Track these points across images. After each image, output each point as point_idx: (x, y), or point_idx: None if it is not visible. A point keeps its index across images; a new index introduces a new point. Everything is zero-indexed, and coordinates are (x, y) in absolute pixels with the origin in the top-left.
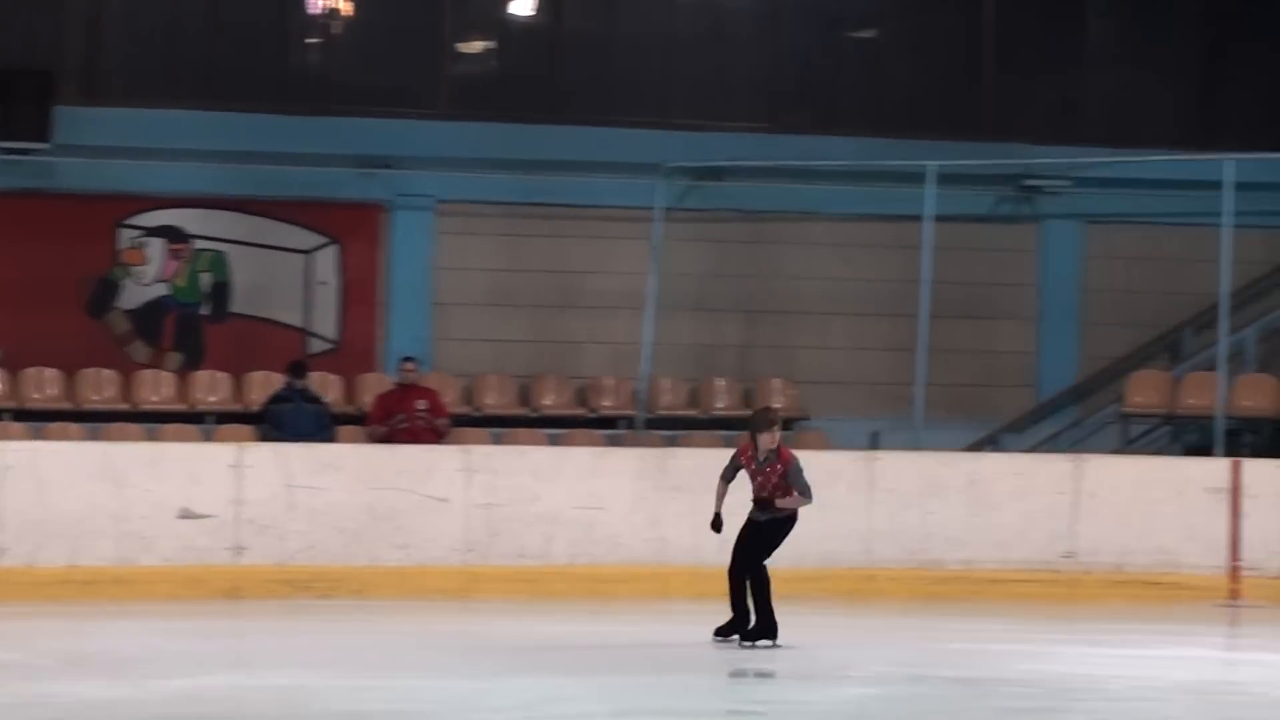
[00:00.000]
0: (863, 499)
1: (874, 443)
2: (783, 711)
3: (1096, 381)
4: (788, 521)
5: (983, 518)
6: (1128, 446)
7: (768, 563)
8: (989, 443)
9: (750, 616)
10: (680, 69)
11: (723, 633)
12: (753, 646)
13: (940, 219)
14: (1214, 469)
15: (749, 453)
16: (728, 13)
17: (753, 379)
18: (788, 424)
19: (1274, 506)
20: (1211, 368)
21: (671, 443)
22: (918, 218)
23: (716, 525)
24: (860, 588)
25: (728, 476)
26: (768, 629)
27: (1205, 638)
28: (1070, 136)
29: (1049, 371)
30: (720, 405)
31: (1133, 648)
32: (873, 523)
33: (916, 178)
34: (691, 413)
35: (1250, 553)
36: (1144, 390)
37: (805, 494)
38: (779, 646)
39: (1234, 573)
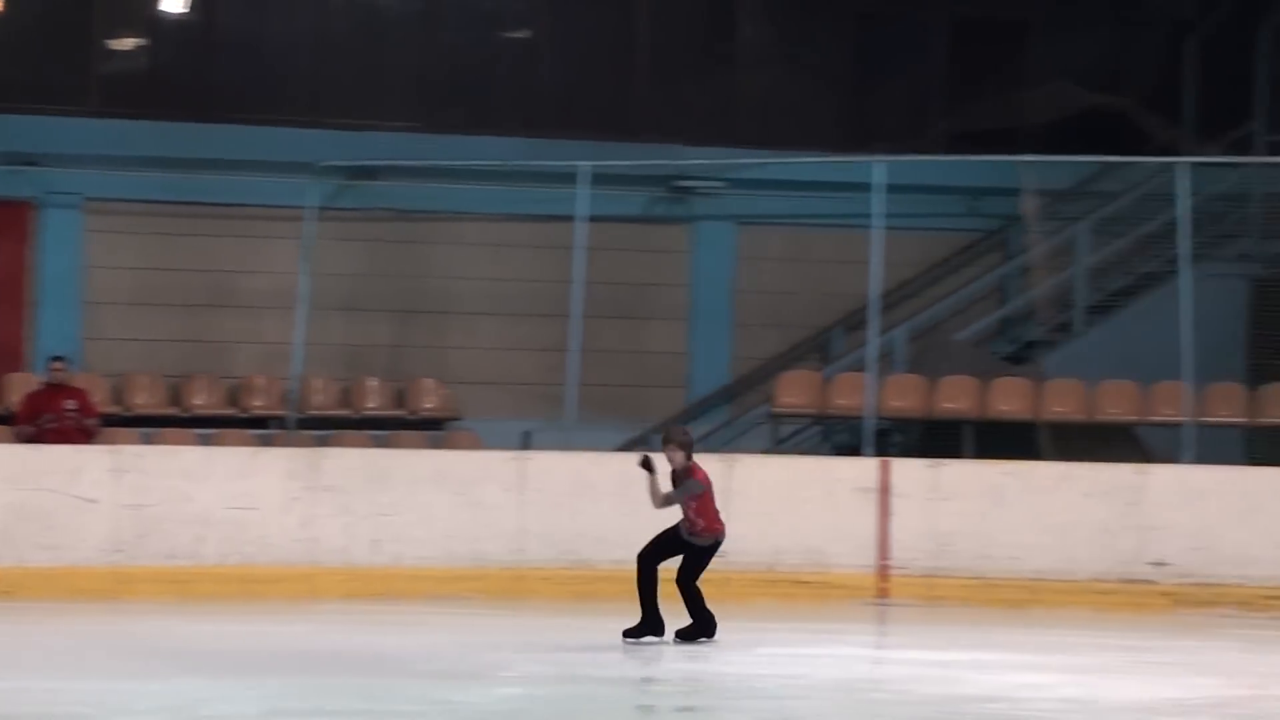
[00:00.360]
0: (514, 499)
1: (526, 443)
2: (435, 712)
3: (747, 382)
4: (702, 547)
5: (633, 518)
6: (778, 446)
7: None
8: (640, 443)
9: (660, 616)
10: (333, 67)
11: (634, 634)
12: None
13: (594, 219)
14: (863, 469)
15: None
16: (381, 11)
17: (405, 379)
18: (438, 424)
19: (921, 506)
20: (861, 368)
21: (323, 443)
22: (571, 218)
23: (647, 464)
24: (511, 587)
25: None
26: (704, 627)
27: (854, 636)
28: (723, 138)
29: (700, 372)
30: (371, 405)
31: (783, 646)
32: (524, 523)
33: (570, 178)
34: (343, 413)
35: (899, 552)
36: (794, 390)
37: (665, 500)
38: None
39: (882, 571)
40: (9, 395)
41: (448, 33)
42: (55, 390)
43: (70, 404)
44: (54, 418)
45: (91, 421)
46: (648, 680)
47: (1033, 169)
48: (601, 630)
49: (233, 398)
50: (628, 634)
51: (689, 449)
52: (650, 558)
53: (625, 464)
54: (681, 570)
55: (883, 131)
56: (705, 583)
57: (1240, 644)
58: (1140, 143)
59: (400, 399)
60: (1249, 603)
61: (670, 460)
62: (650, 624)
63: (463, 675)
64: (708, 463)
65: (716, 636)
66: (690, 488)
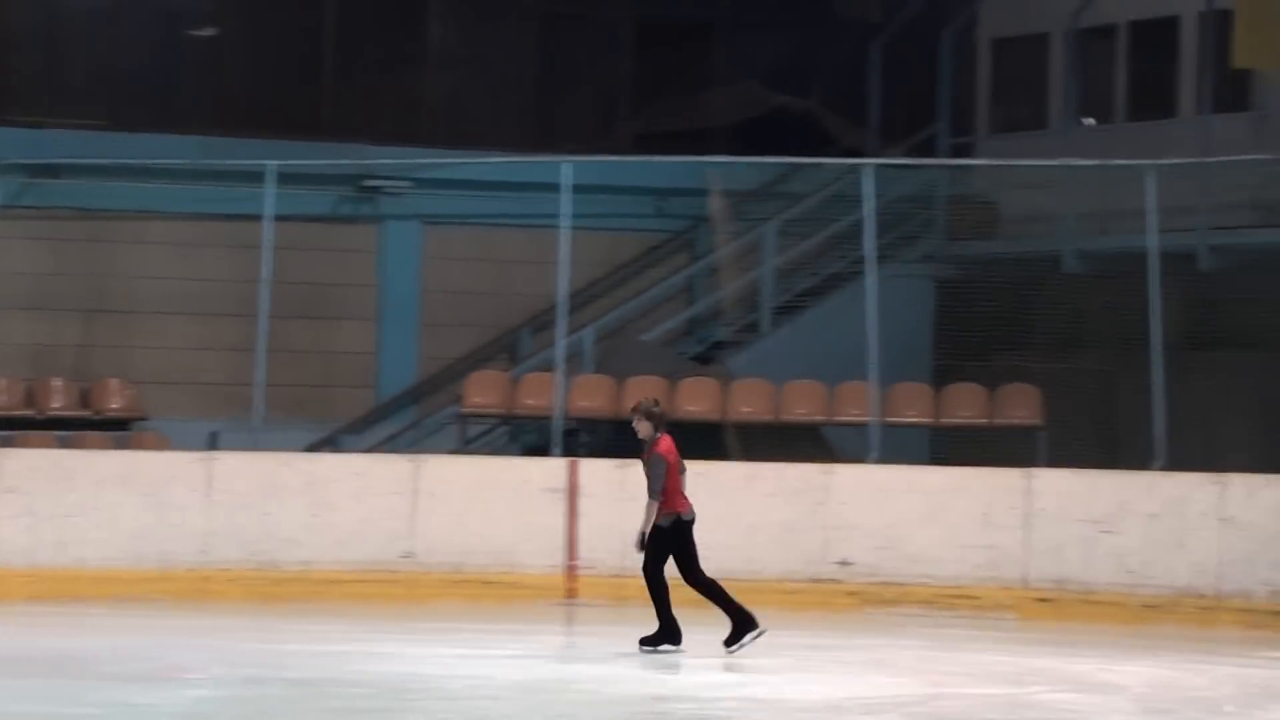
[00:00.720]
0: (200, 500)
1: (214, 444)
2: (121, 714)
3: (436, 382)
4: (662, 529)
5: (322, 518)
6: (466, 447)
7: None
8: (328, 443)
9: (676, 624)
10: (12, 63)
11: (650, 642)
12: (653, 651)
13: (281, 219)
14: (551, 469)
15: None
16: (62, 7)
17: (90, 379)
18: (124, 424)
19: (609, 505)
20: (549, 369)
21: (7, 443)
22: (258, 217)
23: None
24: (197, 589)
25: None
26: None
27: (542, 636)
28: (410, 137)
29: (389, 372)
30: (56, 405)
31: (471, 647)
32: (210, 524)
33: (257, 177)
34: (27, 413)
35: (587, 551)
36: (482, 391)
37: (650, 493)
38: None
39: (571, 571)
40: None
41: (132, 29)
42: None
43: None
44: None
45: None
46: (332, 681)
47: (719, 170)
48: (289, 631)
49: None
50: (644, 642)
51: (656, 420)
52: (651, 565)
53: (314, 464)
54: (645, 559)
55: (569, 132)
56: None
57: (924, 642)
58: (826, 144)
59: (85, 399)
60: (933, 601)
61: (638, 430)
62: (667, 632)
63: (149, 677)
64: (394, 463)
65: (681, 645)
66: (655, 466)
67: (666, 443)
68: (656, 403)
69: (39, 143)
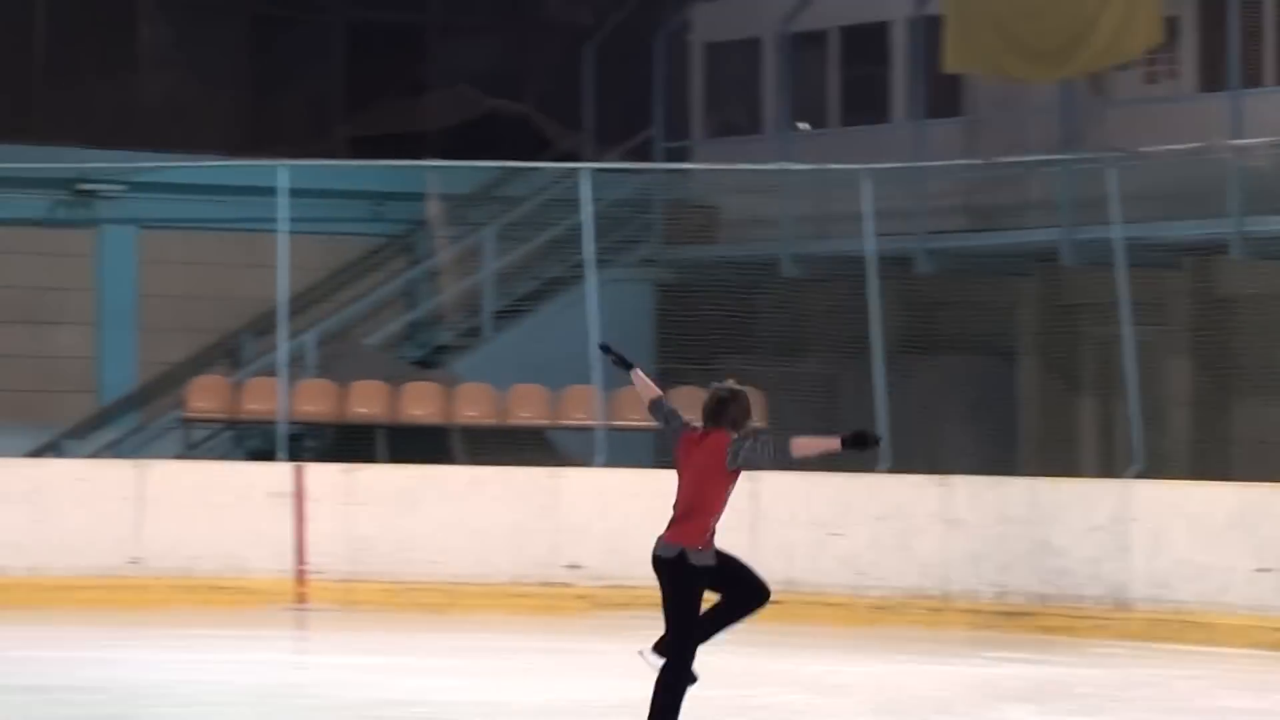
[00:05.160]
0: None
1: None
2: None
3: (157, 387)
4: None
5: (47, 524)
6: (190, 451)
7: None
8: (50, 449)
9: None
10: None
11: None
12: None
13: None
14: (277, 473)
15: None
16: None
17: None
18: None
19: (336, 510)
20: (272, 373)
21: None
22: None
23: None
24: None
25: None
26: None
27: (273, 641)
28: (125, 140)
29: (110, 376)
30: None
31: (201, 652)
32: None
33: None
34: None
35: (316, 556)
36: (205, 395)
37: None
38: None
39: (300, 576)
40: None
41: None
42: None
43: None
44: None
45: None
46: (66, 688)
47: (436, 174)
48: (16, 638)
49: None
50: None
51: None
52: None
53: (37, 469)
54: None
55: (285, 135)
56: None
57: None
58: (542, 148)
59: None
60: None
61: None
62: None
63: None
64: (118, 468)
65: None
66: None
67: (689, 439)
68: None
69: None
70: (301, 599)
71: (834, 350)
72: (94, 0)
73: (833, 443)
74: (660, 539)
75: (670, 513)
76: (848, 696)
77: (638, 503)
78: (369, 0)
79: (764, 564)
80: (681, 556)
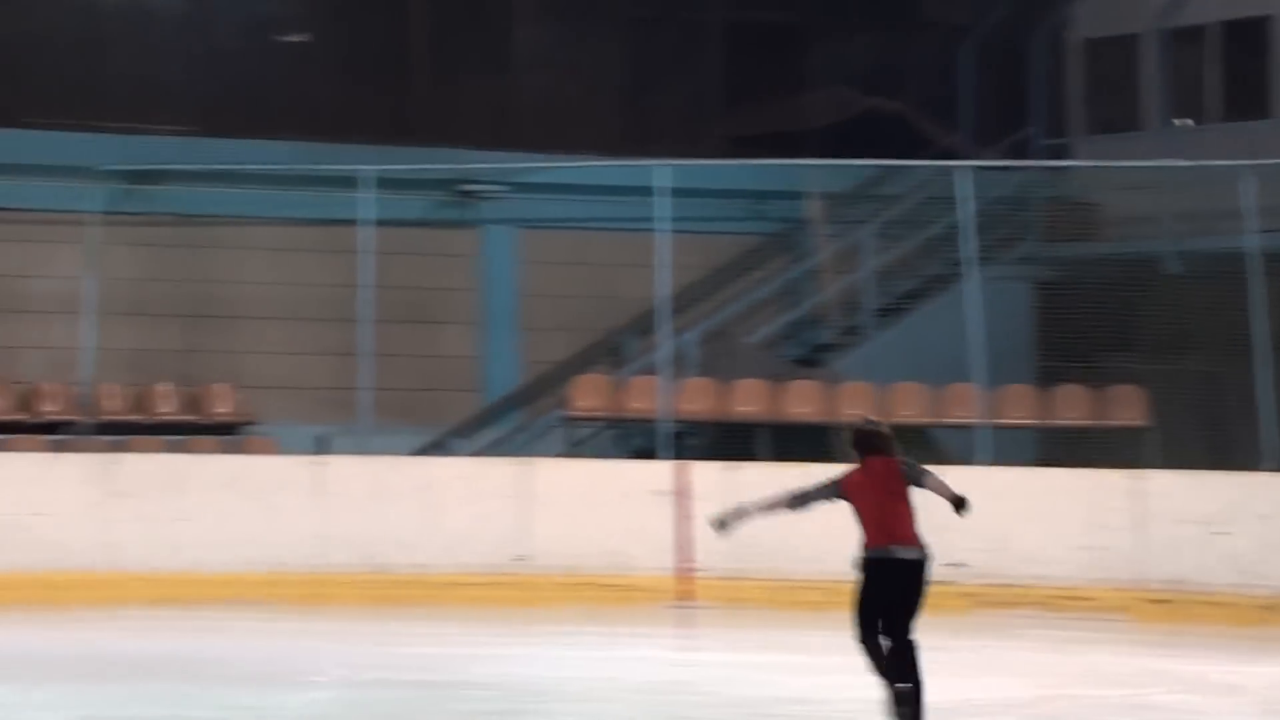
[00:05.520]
0: (313, 504)
1: (322, 448)
2: (241, 717)
3: (540, 385)
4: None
5: (433, 522)
6: (573, 450)
7: None
8: (436, 447)
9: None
10: (109, 71)
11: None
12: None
13: (379, 224)
14: (659, 472)
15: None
16: (153, 14)
17: (198, 384)
18: (233, 429)
19: (718, 508)
20: (653, 371)
21: (118, 448)
22: (353, 222)
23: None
24: (312, 592)
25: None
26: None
27: (658, 639)
28: (504, 142)
29: (493, 376)
30: (165, 410)
31: (588, 649)
32: (324, 528)
33: (353, 182)
34: (136, 418)
35: (701, 554)
36: (587, 394)
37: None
38: None
39: (683, 574)
40: None
41: (222, 37)
42: None
43: None
44: None
45: None
46: (457, 684)
47: (815, 172)
48: (406, 634)
49: (24, 403)
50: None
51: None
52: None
53: (424, 468)
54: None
55: (663, 134)
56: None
57: (1038, 644)
58: (920, 146)
59: (194, 404)
60: (1046, 603)
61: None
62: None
63: (268, 680)
64: (503, 466)
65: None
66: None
67: (857, 475)
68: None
69: (134, 149)
70: (685, 596)
71: (1215, 348)
72: (473, 3)
73: (949, 495)
74: (885, 545)
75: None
76: (1238, 696)
77: (1019, 501)
78: (747, 0)
79: (1149, 562)
80: (924, 557)
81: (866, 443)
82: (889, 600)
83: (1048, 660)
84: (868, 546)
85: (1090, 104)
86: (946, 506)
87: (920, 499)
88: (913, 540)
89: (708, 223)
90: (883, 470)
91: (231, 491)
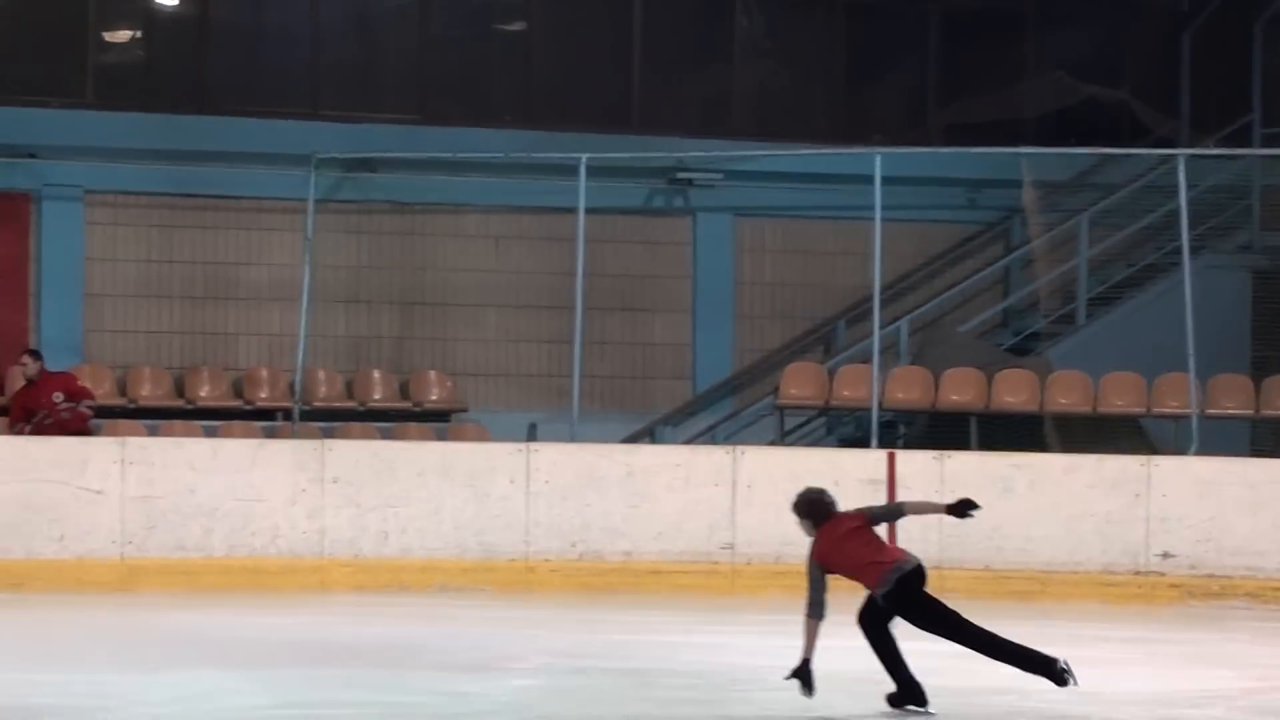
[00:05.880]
0: (522, 491)
1: (532, 435)
2: (449, 703)
3: (751, 374)
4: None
5: (641, 509)
6: (783, 438)
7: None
8: (646, 435)
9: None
10: (328, 59)
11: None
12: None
13: (593, 211)
14: (869, 460)
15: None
16: (375, 3)
17: (409, 371)
18: (444, 415)
19: (928, 498)
20: (865, 360)
21: (329, 435)
22: (571, 210)
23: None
24: (520, 579)
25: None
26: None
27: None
28: (720, 130)
29: (704, 364)
30: (376, 397)
31: (792, 638)
32: (532, 515)
33: (568, 170)
34: (348, 405)
35: (906, 543)
36: (798, 383)
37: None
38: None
39: None
40: (13, 387)
41: (442, 25)
42: (39, 384)
43: (59, 395)
44: (46, 414)
45: (86, 404)
46: (658, 672)
47: (1031, 160)
48: (612, 621)
49: (237, 390)
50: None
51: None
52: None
53: (633, 455)
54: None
55: (878, 123)
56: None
57: (1250, 636)
58: (1138, 134)
59: (405, 391)
60: (1259, 595)
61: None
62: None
63: (474, 666)
64: (713, 454)
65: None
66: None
67: (819, 539)
68: (812, 492)
69: (353, 137)
70: None
71: None
72: None
73: (939, 507)
74: (890, 569)
75: None
76: None
77: (1232, 491)
78: None
79: None
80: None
81: (817, 511)
82: (928, 607)
83: (1259, 652)
84: (876, 586)
85: None
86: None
87: None
88: (905, 553)
89: (922, 211)
90: (845, 523)
91: (441, 478)
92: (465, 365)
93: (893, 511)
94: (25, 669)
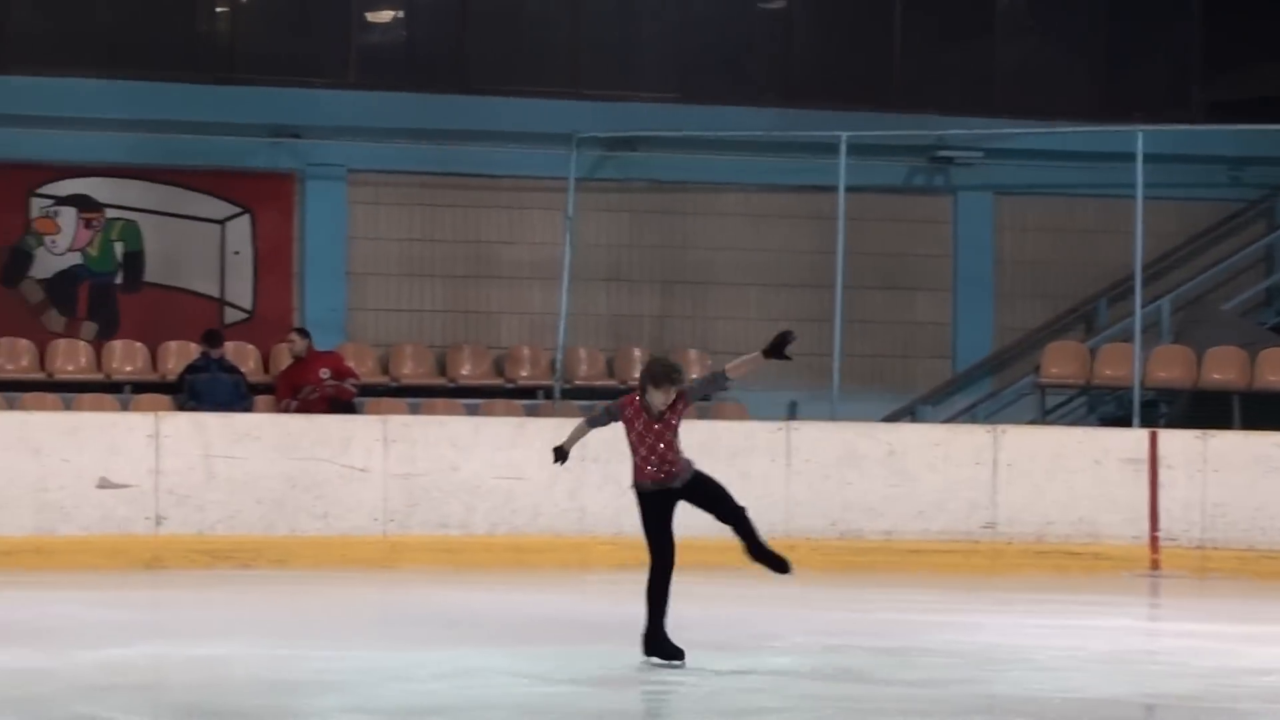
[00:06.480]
0: (781, 469)
1: (792, 413)
2: (707, 680)
3: (1012, 352)
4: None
5: (902, 488)
6: (1045, 417)
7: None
8: (906, 413)
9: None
10: (589, 38)
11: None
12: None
13: (853, 189)
14: (1131, 439)
15: (636, 407)
16: None
17: (669, 349)
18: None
19: (1190, 477)
20: (1126, 339)
21: (589, 413)
22: (830, 188)
23: (562, 456)
24: None
25: (598, 422)
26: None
27: (1126, 608)
28: (981, 108)
29: (965, 342)
30: (637, 375)
31: (1055, 617)
32: (792, 493)
33: (828, 148)
34: (609, 383)
35: (1168, 523)
36: (1060, 361)
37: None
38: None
39: (1153, 543)
40: (278, 365)
41: (703, 2)
42: (306, 362)
43: (325, 371)
44: (313, 389)
45: (350, 382)
46: (916, 650)
47: None
48: (874, 600)
49: (499, 368)
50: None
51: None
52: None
53: (894, 434)
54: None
55: (1141, 100)
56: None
57: None
58: None
59: None
60: None
61: (661, 400)
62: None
63: (734, 645)
64: (973, 433)
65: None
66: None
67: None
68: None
69: (614, 116)
70: (1154, 565)
71: None
72: None
73: (755, 356)
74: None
75: None
76: None
77: None
78: None
79: None
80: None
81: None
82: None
83: None
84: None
85: None
86: None
87: None
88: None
89: (1186, 189)
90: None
91: (702, 456)
92: (725, 344)
93: (714, 381)
94: (290, 645)
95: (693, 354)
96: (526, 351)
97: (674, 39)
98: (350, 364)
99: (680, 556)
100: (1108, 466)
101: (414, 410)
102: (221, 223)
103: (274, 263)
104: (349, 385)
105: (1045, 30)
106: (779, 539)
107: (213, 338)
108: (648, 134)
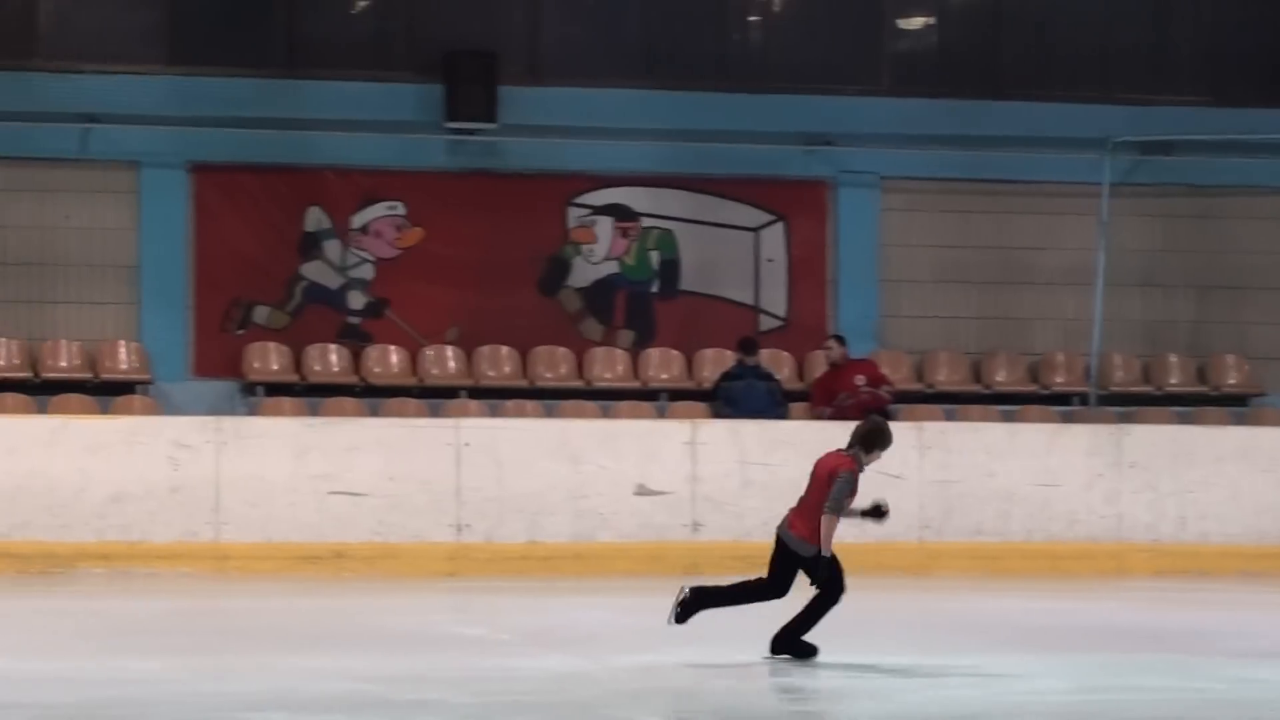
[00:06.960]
0: None
1: None
2: (1244, 689)
3: None
4: None
5: None
6: None
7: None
8: None
9: None
10: (1121, 42)
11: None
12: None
13: None
14: None
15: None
16: None
17: (1205, 355)
18: (1241, 400)
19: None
20: None
21: (1124, 420)
22: None
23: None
24: None
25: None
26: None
27: None
28: None
29: None
30: (1173, 382)
31: None
32: None
33: None
34: (1144, 389)
35: None
36: None
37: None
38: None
39: None
40: (812, 373)
41: (1236, 4)
42: (841, 369)
43: (860, 378)
44: (849, 395)
45: (885, 389)
46: None
47: None
48: None
49: (1033, 375)
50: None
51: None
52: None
53: None
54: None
55: None
56: None
57: None
58: None
59: (1202, 375)
60: None
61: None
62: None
63: (1272, 653)
64: None
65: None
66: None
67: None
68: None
69: (1146, 120)
70: None
71: None
72: None
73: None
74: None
75: None
76: None
77: None
78: None
79: None
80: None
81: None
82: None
83: None
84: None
85: None
86: None
87: None
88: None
89: None
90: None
91: (1240, 463)
92: (1263, 349)
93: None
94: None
95: (1229, 359)
96: (1061, 357)
97: (1206, 41)
98: (884, 371)
99: (1219, 562)
100: None
101: (949, 417)
102: (755, 230)
103: (807, 270)
104: (884, 392)
105: None
106: None
107: (749, 345)
108: (1182, 138)
